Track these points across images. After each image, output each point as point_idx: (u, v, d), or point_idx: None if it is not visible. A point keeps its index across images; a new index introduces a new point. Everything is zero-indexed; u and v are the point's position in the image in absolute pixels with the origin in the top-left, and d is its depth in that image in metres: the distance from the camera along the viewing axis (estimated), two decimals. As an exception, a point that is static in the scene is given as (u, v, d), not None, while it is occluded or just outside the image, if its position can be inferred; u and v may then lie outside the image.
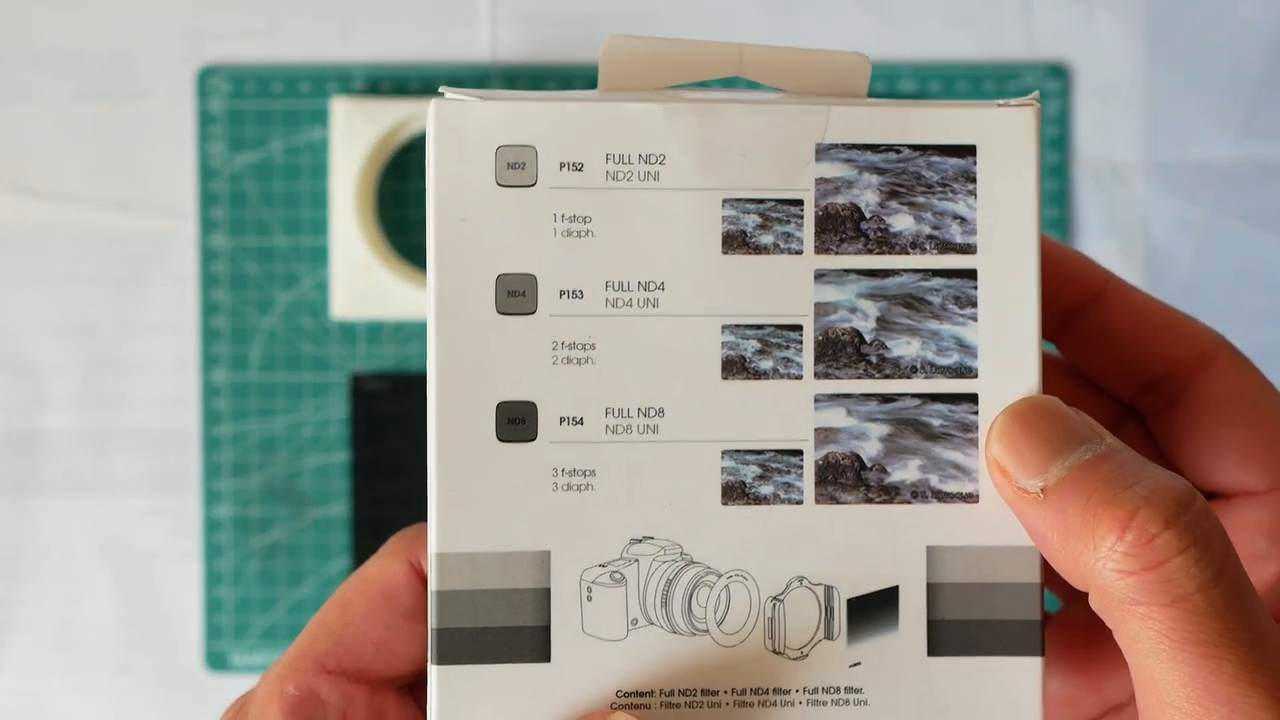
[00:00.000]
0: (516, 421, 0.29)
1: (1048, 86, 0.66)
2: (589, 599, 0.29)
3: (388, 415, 0.65)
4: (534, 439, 0.29)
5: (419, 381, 0.65)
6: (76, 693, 0.66)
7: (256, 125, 0.65)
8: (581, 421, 0.29)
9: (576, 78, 0.65)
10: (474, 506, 0.29)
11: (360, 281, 0.64)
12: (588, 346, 0.29)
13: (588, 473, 0.29)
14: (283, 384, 0.66)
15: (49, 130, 0.65)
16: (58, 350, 0.66)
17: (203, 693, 0.66)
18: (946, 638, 0.29)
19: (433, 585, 0.28)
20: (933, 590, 0.29)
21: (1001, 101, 0.29)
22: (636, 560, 0.29)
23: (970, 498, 0.29)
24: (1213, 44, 0.66)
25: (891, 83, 0.65)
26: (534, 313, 0.29)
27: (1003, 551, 0.29)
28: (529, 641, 0.29)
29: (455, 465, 0.29)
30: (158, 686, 0.66)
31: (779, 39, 0.66)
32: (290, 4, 0.66)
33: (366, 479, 0.65)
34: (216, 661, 0.66)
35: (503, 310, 0.29)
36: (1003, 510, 0.29)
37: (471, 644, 0.29)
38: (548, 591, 0.29)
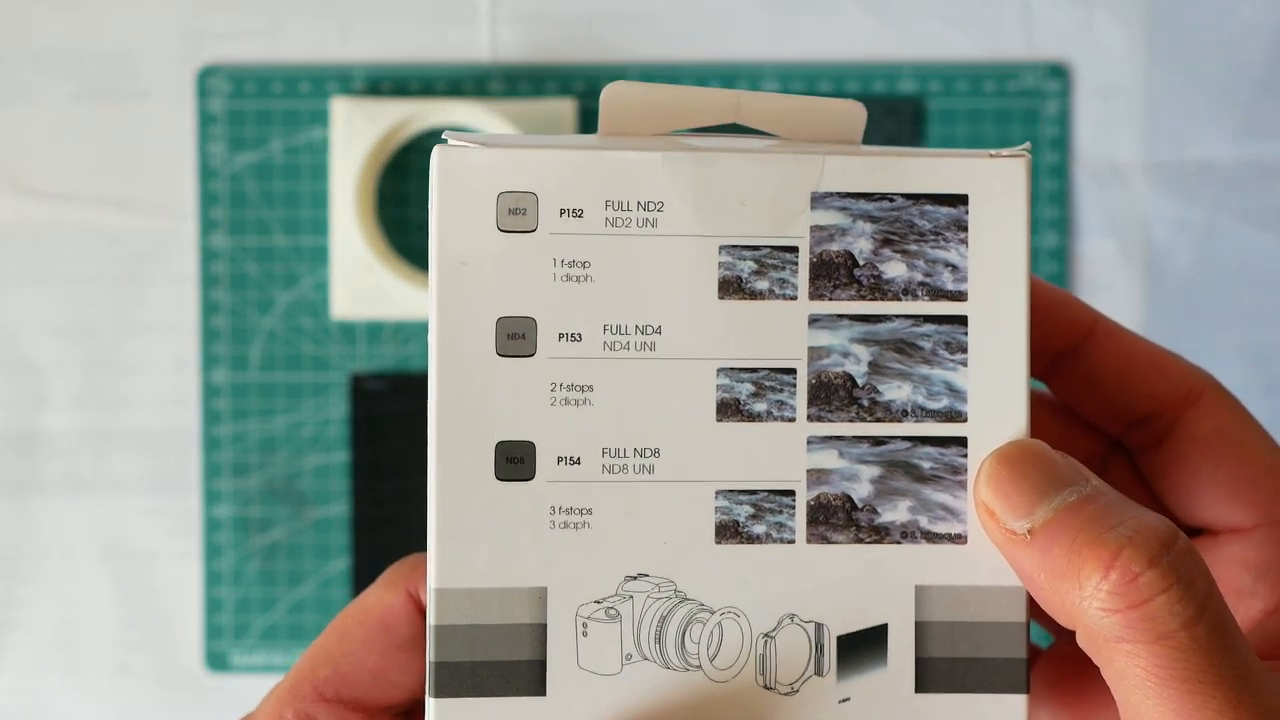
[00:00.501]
0: (515, 460, 0.29)
1: (1048, 86, 0.66)
2: (584, 634, 0.29)
3: (388, 415, 0.66)
4: (532, 478, 0.29)
5: (419, 381, 0.65)
6: (76, 693, 0.66)
7: (256, 125, 0.65)
8: (579, 461, 0.29)
9: (576, 78, 0.65)
10: (473, 543, 0.29)
11: (360, 281, 0.64)
12: (586, 388, 0.29)
13: (584, 511, 0.29)
14: (283, 384, 0.66)
15: (49, 130, 0.65)
16: (58, 350, 0.66)
17: (203, 693, 0.66)
18: (934, 675, 0.30)
19: (431, 620, 0.29)
20: (921, 628, 0.30)
21: (993, 152, 0.30)
22: (631, 597, 0.29)
23: (959, 538, 0.30)
24: (1213, 44, 0.66)
25: (891, 83, 0.65)
26: (533, 355, 0.29)
27: (990, 591, 0.30)
28: (525, 675, 0.29)
29: (455, 502, 0.29)
30: (158, 686, 0.66)
31: (779, 39, 0.66)
32: (290, 4, 0.66)
33: (366, 479, 0.65)
34: (216, 661, 0.66)
35: (503, 352, 0.29)
36: (990, 551, 0.29)
37: (469, 677, 0.29)
38: (544, 627, 0.29)
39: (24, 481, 0.66)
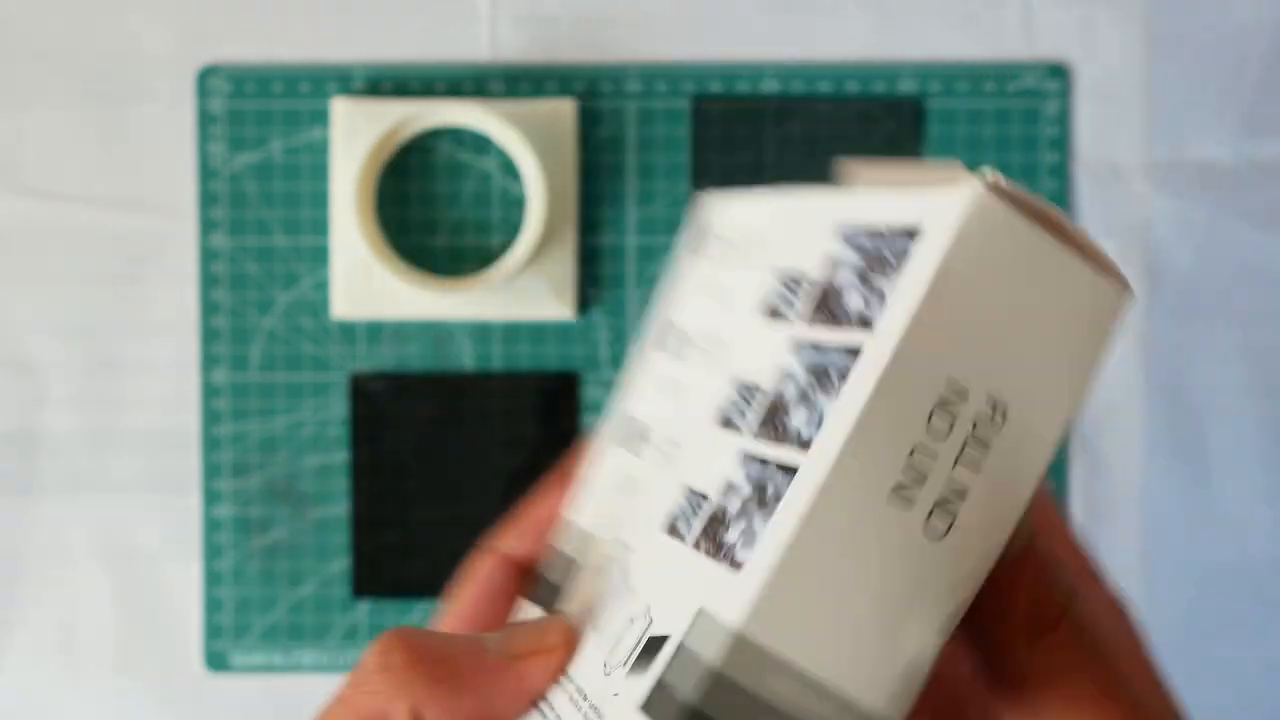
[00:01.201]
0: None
1: (1048, 86, 0.66)
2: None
3: (388, 415, 0.65)
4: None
5: (419, 382, 0.65)
6: (76, 693, 0.66)
7: (256, 125, 0.65)
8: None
9: (576, 78, 0.65)
10: None
11: (360, 281, 0.64)
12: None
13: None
14: (283, 384, 0.66)
15: (49, 130, 0.65)
16: (58, 350, 0.66)
17: (202, 693, 0.66)
18: (656, 702, 0.27)
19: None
20: (676, 650, 0.27)
21: (950, 177, 0.27)
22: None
23: (737, 566, 0.27)
24: (1213, 44, 0.66)
25: (891, 83, 0.65)
26: None
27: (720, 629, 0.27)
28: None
29: None
30: (158, 686, 0.66)
31: (779, 39, 0.66)
32: (290, 4, 0.66)
33: (366, 479, 0.65)
34: (216, 661, 0.66)
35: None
36: (743, 589, 0.27)
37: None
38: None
39: (24, 481, 0.66)
